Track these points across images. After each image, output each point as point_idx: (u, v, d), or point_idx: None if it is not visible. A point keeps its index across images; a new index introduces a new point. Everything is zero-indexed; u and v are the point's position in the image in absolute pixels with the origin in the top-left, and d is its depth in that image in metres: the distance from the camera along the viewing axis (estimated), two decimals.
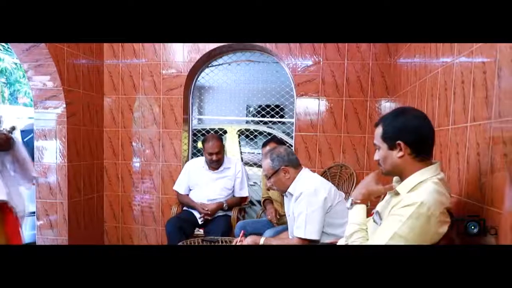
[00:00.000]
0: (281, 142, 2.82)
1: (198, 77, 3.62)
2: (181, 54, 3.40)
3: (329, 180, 3.12)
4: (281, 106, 3.88)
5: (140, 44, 3.44)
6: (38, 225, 3.14)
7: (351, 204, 1.35)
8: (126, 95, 3.50)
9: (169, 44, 3.41)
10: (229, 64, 3.77)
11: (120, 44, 3.46)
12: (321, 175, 3.16)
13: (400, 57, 2.86)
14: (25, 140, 3.77)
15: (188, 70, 3.39)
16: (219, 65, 3.69)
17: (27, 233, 3.49)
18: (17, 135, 2.04)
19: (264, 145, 2.83)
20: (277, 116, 3.83)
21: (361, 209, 1.34)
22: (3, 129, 1.95)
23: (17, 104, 10.77)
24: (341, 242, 1.47)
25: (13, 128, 1.96)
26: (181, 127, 3.44)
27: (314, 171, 3.14)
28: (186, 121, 3.56)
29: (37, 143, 3.07)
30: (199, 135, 3.84)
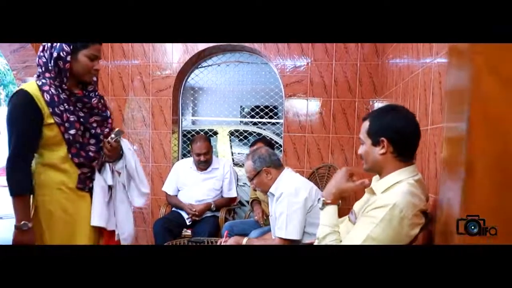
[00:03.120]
0: (269, 142, 2.83)
1: (188, 78, 3.63)
2: (170, 55, 3.41)
3: (317, 181, 3.13)
4: (271, 107, 3.89)
5: (130, 45, 3.45)
6: None
7: (323, 205, 1.35)
8: (115, 96, 3.50)
9: (158, 45, 3.41)
10: (219, 65, 3.77)
11: (109, 44, 3.47)
12: (310, 176, 3.17)
13: (387, 57, 2.87)
14: None
15: (177, 71, 3.40)
16: (208, 66, 3.70)
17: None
18: (125, 141, 1.69)
19: (252, 144, 2.84)
20: (266, 117, 3.84)
21: (332, 209, 1.33)
22: (111, 136, 1.56)
23: None
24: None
25: (119, 133, 1.57)
26: (170, 128, 3.44)
27: (302, 172, 3.15)
28: (176, 122, 3.57)
29: None
30: (189, 136, 3.84)
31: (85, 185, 1.55)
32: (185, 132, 3.81)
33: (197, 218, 2.88)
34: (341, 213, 1.48)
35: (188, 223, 2.91)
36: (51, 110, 1.42)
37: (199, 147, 2.91)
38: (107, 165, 1.64)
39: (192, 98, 4.43)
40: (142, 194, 1.75)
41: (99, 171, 1.62)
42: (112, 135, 1.55)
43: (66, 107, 1.46)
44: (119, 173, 1.68)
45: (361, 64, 3.16)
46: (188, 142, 3.71)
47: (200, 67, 3.66)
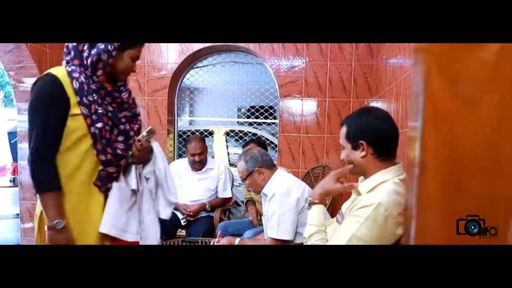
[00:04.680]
0: (262, 143, 2.83)
1: (183, 78, 3.63)
2: (165, 55, 3.42)
3: (312, 181, 3.14)
4: (266, 107, 3.89)
5: None
6: (22, 227, 3.14)
7: (309, 205, 1.36)
8: None
9: (153, 46, 3.42)
10: (214, 66, 3.78)
11: None
12: (304, 176, 3.18)
13: (381, 58, 2.88)
14: (11, 142, 3.78)
15: (173, 72, 3.40)
16: (203, 66, 3.71)
17: (12, 234, 3.50)
18: (155, 143, 1.51)
19: (245, 145, 2.85)
20: (261, 117, 3.84)
21: (318, 209, 1.34)
22: (142, 134, 1.41)
23: (11, 107, 10.72)
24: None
25: (151, 132, 1.41)
26: (166, 129, 3.45)
27: (297, 172, 3.16)
28: (172, 122, 3.57)
29: (20, 145, 3.08)
30: (184, 136, 3.85)
31: (103, 183, 1.37)
32: (180, 133, 3.81)
33: (191, 219, 2.88)
34: (335, 214, 1.49)
35: (182, 223, 2.92)
36: (78, 99, 1.28)
37: (194, 147, 2.91)
38: (132, 167, 1.46)
39: (187, 99, 4.43)
40: (170, 204, 1.57)
41: (123, 173, 1.44)
42: (144, 133, 1.40)
43: (95, 97, 1.32)
44: (147, 179, 1.51)
45: (356, 64, 3.16)
46: (184, 143, 3.72)
47: (195, 68, 3.67)
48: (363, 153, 1.25)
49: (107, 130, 1.35)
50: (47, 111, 1.26)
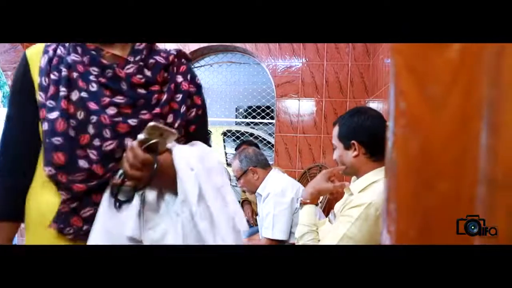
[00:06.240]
0: (253, 144, 2.85)
1: None
2: None
3: (309, 181, 3.14)
4: (263, 107, 3.90)
5: None
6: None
7: (300, 204, 1.36)
8: None
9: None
10: (211, 66, 3.79)
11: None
12: (301, 176, 3.18)
13: (378, 58, 2.88)
14: None
15: None
16: (201, 66, 3.71)
17: None
18: (181, 151, 0.77)
19: (237, 148, 2.87)
20: (258, 117, 3.85)
21: (310, 209, 1.34)
22: (138, 137, 0.72)
23: None
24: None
25: (153, 133, 0.70)
26: None
27: (294, 172, 3.16)
28: None
29: None
30: None
31: (66, 225, 0.80)
32: None
33: None
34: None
35: None
36: (39, 80, 0.80)
37: None
38: (135, 197, 0.78)
39: None
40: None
41: (118, 206, 0.78)
42: (140, 136, 0.71)
43: (64, 73, 0.79)
44: (177, 215, 0.80)
45: (352, 64, 3.17)
46: None
47: (192, 68, 3.67)
48: (355, 153, 1.25)
49: (73, 125, 0.77)
50: (9, 108, 0.85)
